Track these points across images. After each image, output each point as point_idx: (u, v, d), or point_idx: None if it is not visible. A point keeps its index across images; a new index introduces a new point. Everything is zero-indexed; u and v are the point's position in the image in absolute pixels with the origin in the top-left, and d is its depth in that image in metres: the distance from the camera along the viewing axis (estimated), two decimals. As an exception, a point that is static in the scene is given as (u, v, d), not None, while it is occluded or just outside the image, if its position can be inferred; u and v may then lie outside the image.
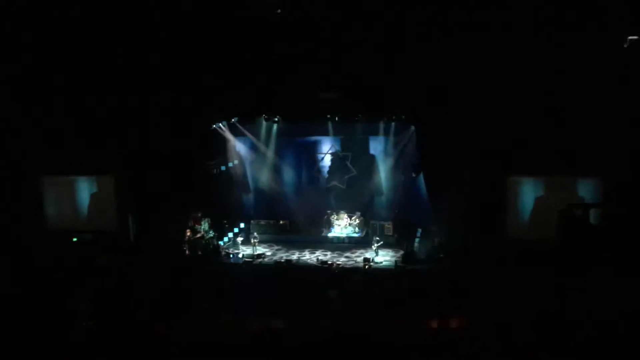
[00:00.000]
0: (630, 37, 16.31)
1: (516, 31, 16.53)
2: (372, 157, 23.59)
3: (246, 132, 23.31)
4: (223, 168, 23.28)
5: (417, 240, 20.80)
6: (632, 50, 16.11)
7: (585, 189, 18.31)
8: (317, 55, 17.80)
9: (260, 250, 20.98)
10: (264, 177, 24.23)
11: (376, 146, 23.38)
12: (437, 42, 16.88)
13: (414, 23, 16.70)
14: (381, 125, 22.42)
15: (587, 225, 13.13)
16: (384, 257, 19.93)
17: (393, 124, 21.88)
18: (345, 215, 22.85)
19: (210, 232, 22.01)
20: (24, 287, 14.31)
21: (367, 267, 18.88)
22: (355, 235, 22.59)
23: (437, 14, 16.43)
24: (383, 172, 23.44)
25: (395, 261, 19.52)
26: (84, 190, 21.42)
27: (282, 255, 20.69)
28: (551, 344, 9.66)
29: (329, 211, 23.10)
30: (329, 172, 23.89)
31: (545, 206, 17.85)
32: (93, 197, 21.25)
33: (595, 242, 11.97)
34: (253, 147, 23.88)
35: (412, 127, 21.24)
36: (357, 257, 20.18)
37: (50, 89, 19.25)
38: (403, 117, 20.90)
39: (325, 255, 20.59)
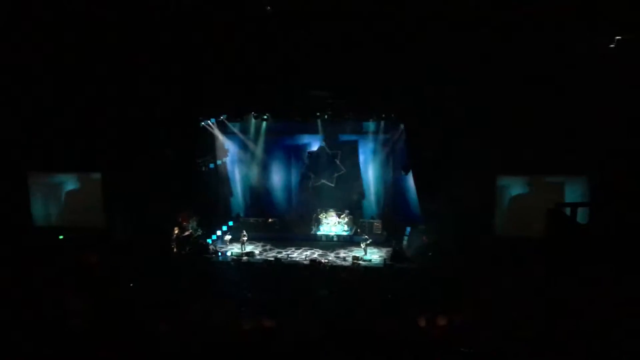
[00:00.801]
0: (617, 37, 16.42)
1: (507, 31, 16.59)
2: (362, 155, 23.65)
3: (235, 130, 23.27)
4: (212, 166, 23.19)
5: (405, 238, 20.90)
6: (620, 50, 16.21)
7: (574, 188, 18.46)
8: (308, 54, 17.75)
9: (248, 248, 20.92)
10: (253, 175, 24.25)
11: (366, 144, 23.46)
12: (428, 41, 16.89)
13: (406, 22, 16.70)
14: (371, 124, 22.53)
15: (575, 224, 13.20)
16: (372, 256, 19.96)
17: (383, 122, 21.98)
18: (334, 213, 22.87)
19: (199, 229, 21.91)
20: (9, 284, 14.14)
21: (356, 265, 18.89)
22: (344, 233, 22.61)
23: (430, 13, 16.44)
24: (372, 171, 23.54)
25: (384, 259, 19.56)
26: (71, 187, 21.25)
27: (271, 254, 20.63)
28: (541, 342, 9.69)
29: (318, 209, 23.10)
30: (318, 170, 23.87)
31: (534, 205, 17.91)
32: (80, 194, 21.06)
33: (583, 241, 12.04)
34: (242, 145, 23.84)
35: (402, 126, 21.30)
36: (346, 255, 20.19)
37: (38, 86, 19.06)
38: (393, 115, 20.95)
39: (314, 253, 20.59)
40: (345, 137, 23.49)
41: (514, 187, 19.08)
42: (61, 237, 19.99)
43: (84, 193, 20.93)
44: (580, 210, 14.24)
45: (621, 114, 16.63)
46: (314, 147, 23.95)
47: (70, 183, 21.19)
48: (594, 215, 15.65)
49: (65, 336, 10.24)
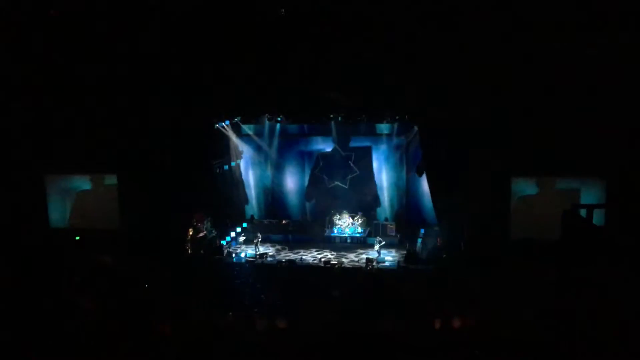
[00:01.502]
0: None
1: (518, 31, 16.51)
2: (375, 157, 23.60)
3: (249, 132, 23.37)
4: (226, 167, 23.28)
5: (419, 240, 20.80)
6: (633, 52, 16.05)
7: (589, 190, 18.28)
8: (322, 55, 17.78)
9: (262, 249, 20.96)
10: (267, 177, 24.32)
11: (379, 146, 23.40)
12: (440, 41, 16.85)
13: (417, 22, 16.69)
14: (384, 126, 22.49)
15: (590, 226, 13.08)
16: (386, 257, 19.90)
17: (396, 124, 21.94)
18: (348, 215, 22.83)
19: (213, 231, 22.01)
20: (26, 285, 14.32)
21: (369, 267, 18.86)
22: (358, 235, 22.57)
23: (441, 13, 16.41)
24: (386, 172, 23.46)
25: (398, 261, 19.50)
26: (87, 189, 21.43)
27: (285, 255, 20.66)
28: (554, 344, 9.64)
29: (331, 211, 23.08)
30: (331, 171, 23.85)
31: (549, 207, 17.79)
32: (96, 196, 21.23)
33: (599, 242, 11.93)
34: (256, 147, 23.92)
35: (416, 128, 21.24)
36: (360, 257, 20.16)
37: (52, 88, 19.28)
38: (406, 117, 20.90)
39: (328, 255, 20.58)
40: (359, 140, 23.46)
41: (528, 189, 18.92)
42: (77, 237, 20.19)
43: (100, 195, 21.10)
44: (596, 212, 14.11)
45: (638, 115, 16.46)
46: (328, 149, 23.94)
47: (86, 185, 21.38)
48: (610, 217, 15.49)
49: (79, 335, 10.38)
